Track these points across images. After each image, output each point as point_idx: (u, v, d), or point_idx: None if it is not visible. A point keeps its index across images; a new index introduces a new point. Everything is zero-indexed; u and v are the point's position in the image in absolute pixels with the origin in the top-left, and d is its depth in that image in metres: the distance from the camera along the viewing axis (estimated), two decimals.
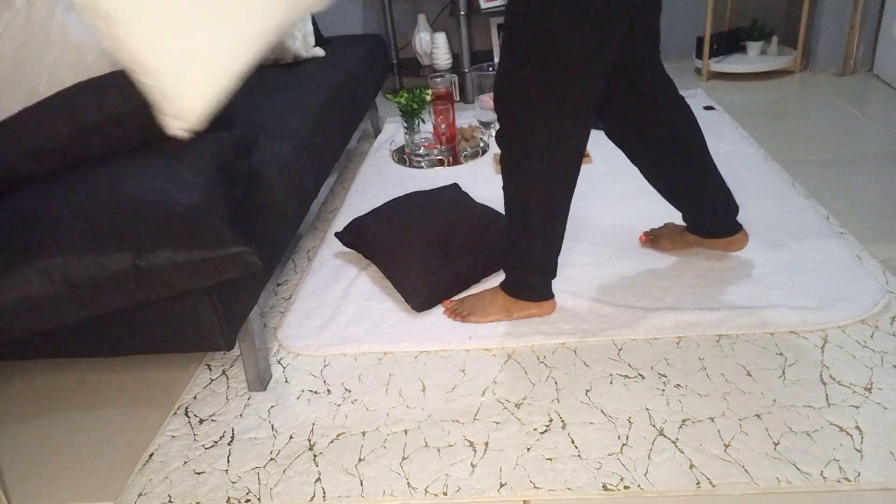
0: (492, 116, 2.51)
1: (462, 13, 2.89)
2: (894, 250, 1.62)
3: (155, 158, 1.25)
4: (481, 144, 2.45)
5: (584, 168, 2.19)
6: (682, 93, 2.80)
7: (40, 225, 1.08)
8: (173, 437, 1.29)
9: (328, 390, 1.36)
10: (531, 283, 1.46)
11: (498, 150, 2.41)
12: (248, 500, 1.14)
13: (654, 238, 1.69)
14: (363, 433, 1.25)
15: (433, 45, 3.08)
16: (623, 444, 1.15)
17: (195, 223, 1.09)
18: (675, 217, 1.76)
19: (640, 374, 1.31)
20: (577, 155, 1.30)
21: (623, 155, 2.26)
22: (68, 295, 1.05)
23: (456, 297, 1.58)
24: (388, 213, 1.74)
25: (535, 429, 1.21)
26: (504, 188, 1.36)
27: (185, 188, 1.16)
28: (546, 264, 1.43)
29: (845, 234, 1.68)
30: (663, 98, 1.42)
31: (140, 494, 1.17)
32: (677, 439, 1.15)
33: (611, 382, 1.30)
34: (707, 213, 1.55)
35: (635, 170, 2.13)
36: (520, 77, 1.22)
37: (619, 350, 1.38)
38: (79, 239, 1.06)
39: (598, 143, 2.38)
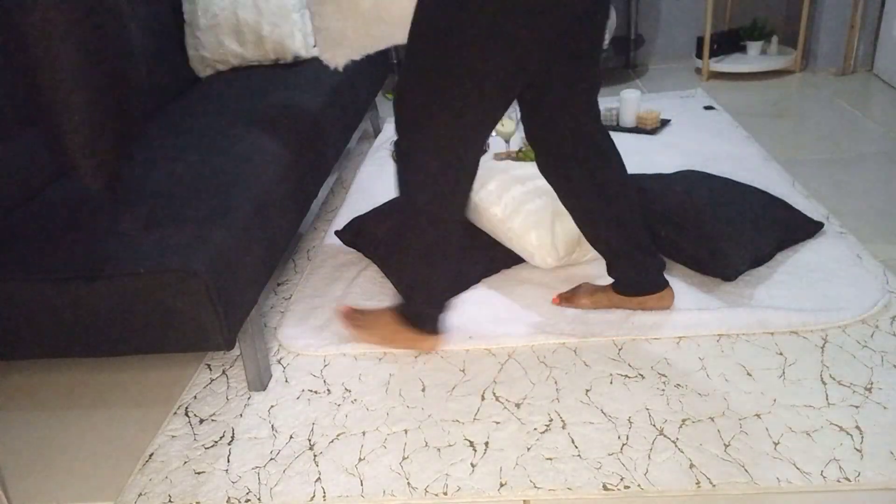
0: None
1: None
2: (894, 250, 1.62)
3: None
4: None
5: None
6: (682, 93, 2.82)
7: None
8: (173, 436, 1.29)
9: (328, 390, 1.36)
10: (418, 311, 1.38)
11: (499, 149, 2.41)
12: (248, 500, 1.13)
13: (569, 298, 1.53)
14: (363, 433, 1.25)
15: None
16: (623, 444, 1.15)
17: None
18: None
19: (640, 374, 1.31)
20: (464, 177, 1.24)
21: (622, 154, 2.26)
22: None
23: (366, 309, 1.49)
24: (388, 213, 1.74)
25: (535, 429, 1.21)
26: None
27: None
28: (432, 294, 1.35)
29: (845, 234, 1.68)
30: (597, 148, 1.34)
31: (140, 494, 1.17)
32: (677, 439, 1.15)
33: (611, 382, 1.30)
34: (631, 267, 1.43)
35: (635, 168, 2.13)
36: (412, 85, 1.18)
37: (619, 350, 1.38)
38: None
39: None
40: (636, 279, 1.43)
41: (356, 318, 1.46)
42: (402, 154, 1.24)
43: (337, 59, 1.47)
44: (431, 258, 1.30)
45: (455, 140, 1.19)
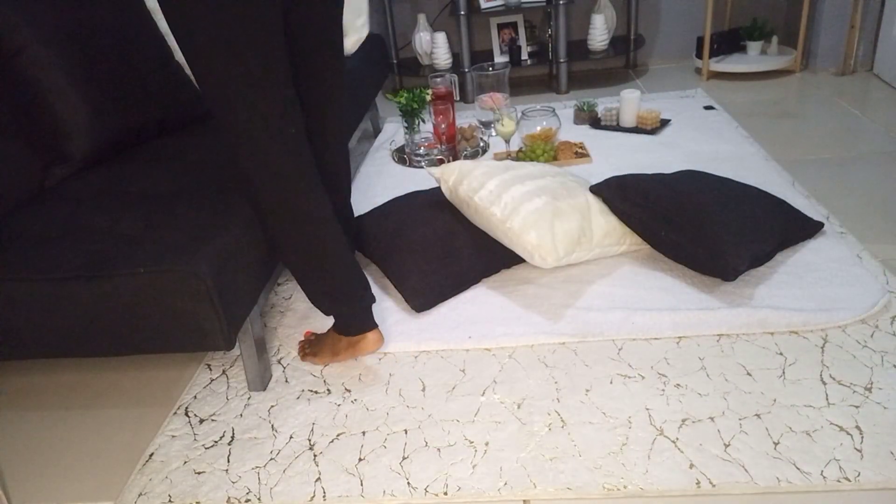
0: (492, 116, 2.51)
1: (462, 13, 2.89)
2: (894, 250, 1.62)
3: None
4: (481, 144, 2.45)
5: (584, 167, 2.19)
6: (682, 93, 2.82)
7: None
8: (173, 436, 1.29)
9: (328, 390, 1.36)
10: (338, 313, 1.35)
11: (498, 149, 2.41)
12: (248, 500, 1.13)
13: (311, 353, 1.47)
14: (363, 433, 1.25)
15: (433, 45, 3.08)
16: (623, 444, 1.15)
17: None
18: None
19: (640, 374, 1.31)
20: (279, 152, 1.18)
21: (622, 154, 2.26)
22: None
23: (321, 333, 1.48)
24: (388, 213, 1.74)
25: (536, 429, 1.21)
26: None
27: None
28: (329, 294, 1.31)
29: (845, 234, 1.68)
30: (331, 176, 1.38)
31: (140, 494, 1.17)
32: (677, 439, 1.15)
33: (611, 382, 1.30)
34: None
35: (635, 168, 2.13)
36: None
37: (619, 350, 1.38)
38: None
39: (598, 143, 2.39)
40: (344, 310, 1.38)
41: (304, 349, 1.46)
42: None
43: None
44: (308, 257, 1.27)
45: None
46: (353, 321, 1.37)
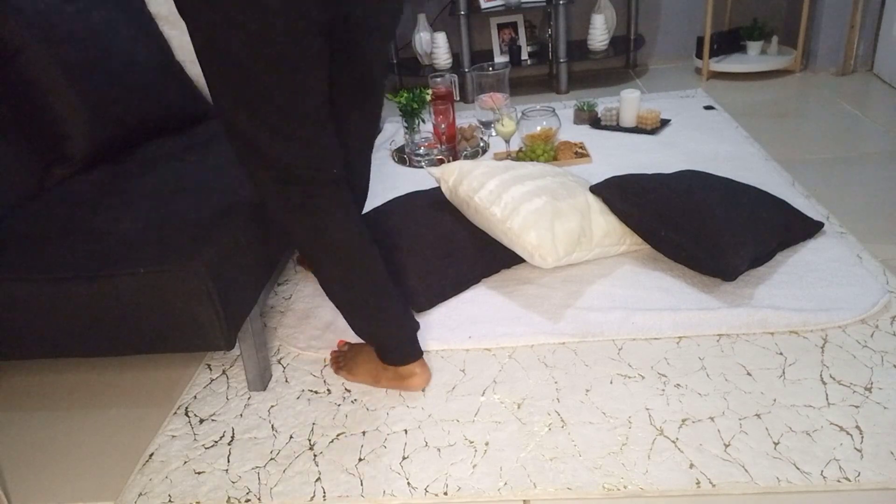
0: (492, 116, 2.51)
1: (462, 13, 2.89)
2: (894, 250, 1.62)
3: None
4: (481, 144, 2.45)
5: (584, 167, 2.19)
6: (682, 93, 2.82)
7: None
8: (173, 436, 1.29)
9: (328, 390, 1.36)
10: (375, 340, 1.27)
11: (499, 149, 2.41)
12: (248, 500, 1.13)
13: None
14: (363, 433, 1.25)
15: (433, 45, 3.08)
16: (623, 444, 1.15)
17: None
18: None
19: (640, 374, 1.31)
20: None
21: (622, 154, 2.26)
22: None
23: (354, 343, 1.43)
24: (387, 213, 1.74)
25: (536, 429, 1.21)
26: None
27: None
28: (367, 313, 1.23)
29: (845, 234, 1.68)
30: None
31: (140, 494, 1.17)
32: (677, 439, 1.15)
33: (611, 382, 1.30)
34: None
35: (635, 168, 2.13)
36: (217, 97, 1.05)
37: (619, 350, 1.38)
38: None
39: (598, 143, 2.38)
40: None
41: (343, 359, 1.40)
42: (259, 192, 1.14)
43: None
44: (346, 286, 1.20)
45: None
46: (397, 352, 1.29)
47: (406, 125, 2.40)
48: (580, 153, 2.27)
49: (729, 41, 3.08)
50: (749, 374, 1.28)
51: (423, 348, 1.44)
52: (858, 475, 1.05)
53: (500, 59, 3.16)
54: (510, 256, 1.65)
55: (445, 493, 1.10)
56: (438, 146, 2.38)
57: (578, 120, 2.61)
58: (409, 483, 1.13)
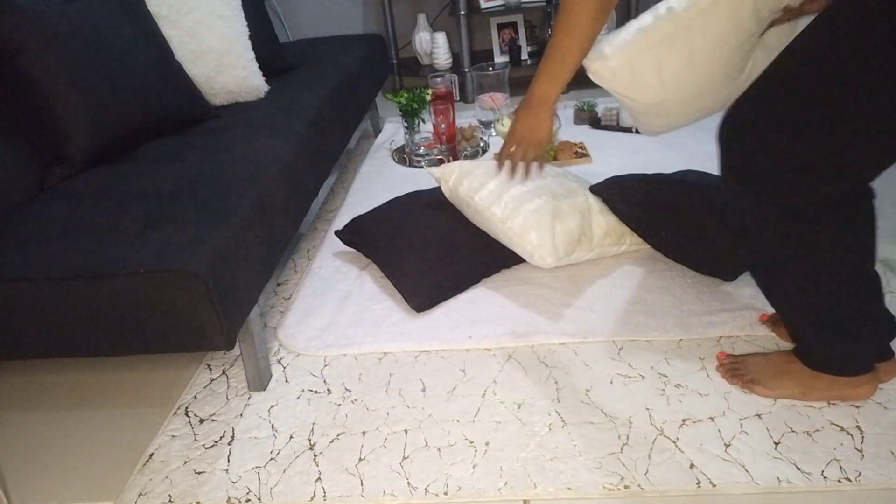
0: (492, 116, 2.51)
1: (462, 13, 2.89)
2: (894, 250, 1.61)
3: None
4: (481, 144, 2.45)
5: (584, 167, 2.19)
6: None
7: None
8: (173, 436, 1.29)
9: (328, 390, 1.36)
10: (832, 350, 1.14)
11: (499, 149, 2.41)
12: (248, 500, 1.13)
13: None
14: (363, 433, 1.25)
15: (433, 45, 3.08)
16: (623, 444, 1.15)
17: None
18: None
19: (640, 374, 1.31)
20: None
21: (622, 154, 2.26)
22: None
23: (739, 354, 1.30)
24: (388, 213, 1.74)
25: (536, 429, 1.21)
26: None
27: None
28: (842, 323, 1.10)
29: None
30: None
31: (140, 494, 1.17)
32: (677, 439, 1.15)
33: (611, 382, 1.30)
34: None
35: (635, 168, 2.13)
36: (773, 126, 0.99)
37: (620, 350, 1.38)
38: None
39: (598, 143, 2.38)
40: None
41: (744, 371, 1.26)
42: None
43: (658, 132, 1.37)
44: (831, 280, 1.08)
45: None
46: (853, 360, 1.17)
47: (406, 125, 2.40)
48: (580, 153, 2.27)
49: None
50: None
51: (423, 348, 1.45)
52: (859, 475, 1.05)
53: (500, 58, 3.16)
54: (510, 256, 1.65)
55: (446, 493, 1.10)
56: (438, 146, 2.38)
57: (578, 120, 2.61)
58: (409, 483, 1.13)
